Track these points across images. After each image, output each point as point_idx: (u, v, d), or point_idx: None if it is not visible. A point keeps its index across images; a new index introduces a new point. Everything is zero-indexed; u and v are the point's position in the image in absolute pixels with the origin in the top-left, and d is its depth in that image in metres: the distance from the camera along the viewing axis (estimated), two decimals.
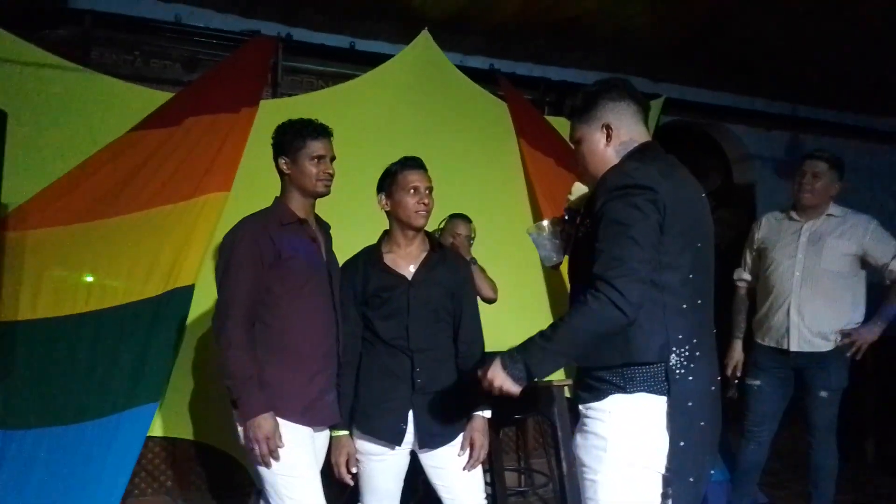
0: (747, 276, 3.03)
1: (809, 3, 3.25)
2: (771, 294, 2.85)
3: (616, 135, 1.56)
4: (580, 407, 1.54)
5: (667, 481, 1.43)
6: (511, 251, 3.19)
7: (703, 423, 1.45)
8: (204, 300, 2.66)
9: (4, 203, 2.54)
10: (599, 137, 1.57)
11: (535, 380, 1.46)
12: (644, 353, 1.43)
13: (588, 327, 1.39)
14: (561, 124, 3.68)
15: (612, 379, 1.46)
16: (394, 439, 1.94)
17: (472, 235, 2.96)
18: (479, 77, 3.49)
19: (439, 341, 2.00)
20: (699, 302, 1.48)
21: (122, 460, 2.38)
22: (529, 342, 1.45)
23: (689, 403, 1.43)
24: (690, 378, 1.43)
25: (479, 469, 2.05)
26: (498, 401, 1.86)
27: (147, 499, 3.11)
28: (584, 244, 1.51)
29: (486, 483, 2.73)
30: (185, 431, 2.83)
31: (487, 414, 2.03)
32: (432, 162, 2.11)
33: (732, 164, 4.63)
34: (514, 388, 1.45)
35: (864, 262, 2.79)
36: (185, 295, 2.57)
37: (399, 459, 1.99)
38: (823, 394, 2.74)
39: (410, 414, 1.95)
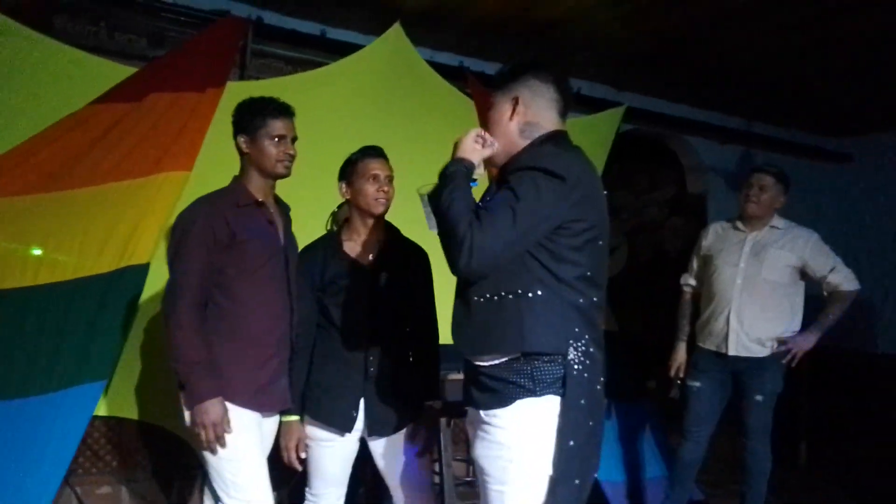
0: (692, 282, 3.15)
1: (771, 24, 3.39)
2: (713, 300, 2.97)
3: (522, 111, 1.53)
4: (480, 412, 1.46)
5: (553, 483, 1.38)
6: None
7: (591, 423, 1.41)
8: (158, 280, 2.61)
9: None
10: (507, 109, 1.54)
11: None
12: (541, 343, 1.39)
13: (449, 222, 1.38)
14: None
15: (518, 380, 1.40)
16: (344, 426, 1.96)
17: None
18: (449, 73, 3.52)
19: (394, 331, 2.03)
20: (594, 300, 1.46)
21: (65, 438, 2.33)
22: (458, 178, 1.45)
23: (582, 401, 1.39)
24: (586, 375, 1.40)
25: (427, 458, 2.10)
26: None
27: (91, 478, 3.06)
28: None
29: (435, 472, 2.78)
30: (132, 412, 2.79)
31: (437, 404, 2.07)
32: (395, 153, 2.14)
33: (687, 174, 4.78)
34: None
35: (803, 274, 2.93)
36: (138, 273, 2.52)
37: (348, 445, 2.01)
38: (759, 398, 2.87)
39: (362, 401, 1.98)
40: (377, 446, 2.03)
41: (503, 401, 1.41)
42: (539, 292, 1.40)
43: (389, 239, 2.09)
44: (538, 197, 1.37)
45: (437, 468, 2.88)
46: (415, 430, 2.03)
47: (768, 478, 2.95)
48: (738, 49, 3.73)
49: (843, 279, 2.86)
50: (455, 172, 1.47)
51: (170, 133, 2.71)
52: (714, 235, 3.08)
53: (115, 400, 2.72)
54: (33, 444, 2.29)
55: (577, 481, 1.39)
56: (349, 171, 2.05)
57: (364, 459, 2.10)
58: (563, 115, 1.59)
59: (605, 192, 1.56)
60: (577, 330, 1.41)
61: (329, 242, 2.06)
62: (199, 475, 3.08)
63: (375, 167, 2.01)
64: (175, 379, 1.85)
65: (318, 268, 2.02)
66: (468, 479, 3.94)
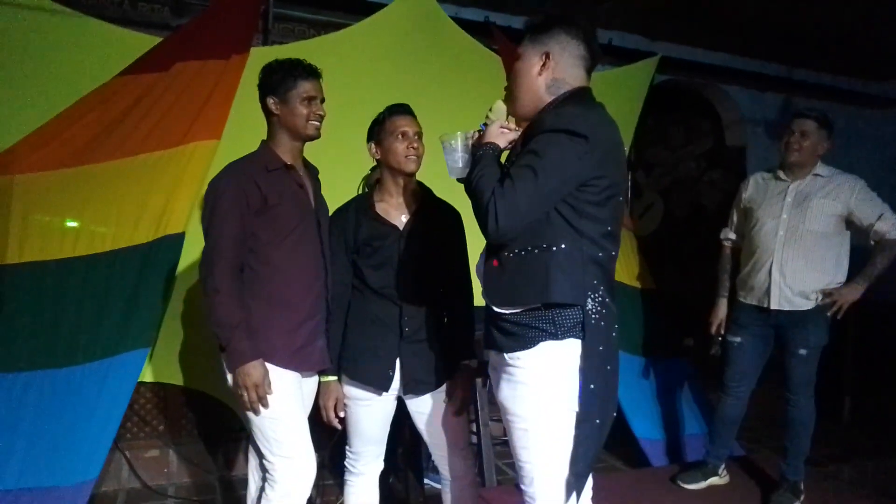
0: (732, 236, 3.06)
1: None
2: (755, 253, 2.88)
3: (552, 67, 1.55)
4: (504, 355, 1.53)
5: (577, 421, 1.47)
6: None
7: (609, 368, 1.50)
8: (194, 248, 2.66)
9: None
10: (536, 63, 1.57)
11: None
12: (563, 294, 1.46)
13: (476, 194, 1.47)
14: None
15: (541, 325, 1.48)
16: (381, 385, 1.98)
17: None
18: (474, 29, 3.43)
19: (428, 291, 2.02)
20: (612, 254, 1.54)
21: (112, 405, 2.41)
22: (488, 160, 1.53)
23: (601, 348, 1.48)
24: (602, 323, 1.48)
25: (465, 417, 2.10)
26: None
27: (139, 442, 3.17)
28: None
29: (472, 432, 2.80)
30: (176, 378, 2.87)
31: (474, 364, 2.06)
32: (423, 112, 2.10)
33: (725, 126, 4.62)
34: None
35: (848, 223, 2.82)
36: (174, 242, 2.56)
37: (386, 405, 2.03)
38: (802, 351, 2.80)
39: (398, 361, 1.98)
40: (414, 405, 2.04)
41: (526, 343, 1.49)
42: (563, 246, 1.47)
43: (421, 198, 2.07)
44: (561, 157, 1.43)
45: (474, 428, 2.90)
46: (451, 388, 2.03)
47: (811, 432, 2.90)
48: None
49: (892, 226, 2.74)
50: (483, 155, 1.55)
51: (197, 102, 2.72)
52: (754, 186, 2.97)
53: (160, 366, 2.79)
54: (82, 410, 2.37)
55: (597, 421, 1.48)
56: (377, 131, 2.02)
57: (403, 418, 2.11)
58: (590, 72, 1.62)
59: (625, 148, 1.62)
60: (595, 282, 1.49)
61: (361, 204, 2.05)
62: (243, 437, 3.16)
63: (404, 124, 1.98)
64: (216, 343, 1.87)
65: (350, 229, 2.01)
66: (505, 437, 3.97)
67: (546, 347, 1.48)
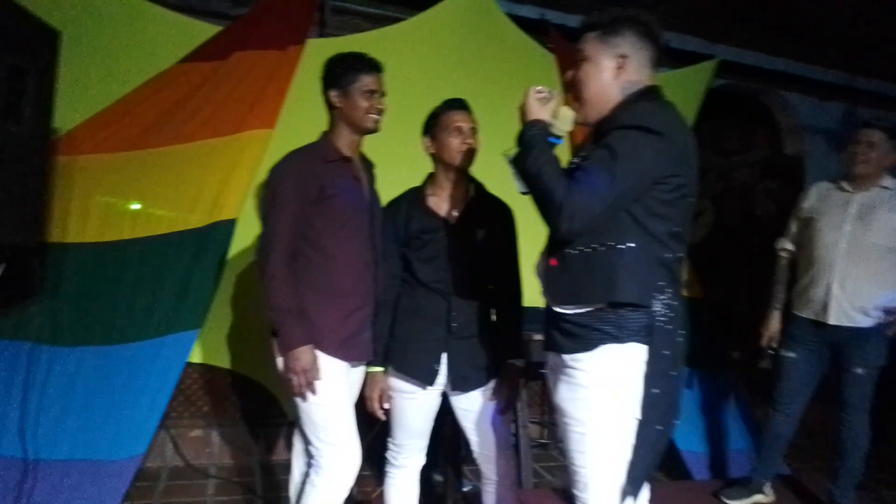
0: (790, 246, 2.95)
1: None
2: (814, 265, 2.77)
3: (627, 69, 1.49)
4: (564, 357, 1.49)
5: (639, 426, 1.43)
6: None
7: (673, 374, 1.45)
8: (245, 235, 2.71)
9: (56, 127, 2.59)
10: (609, 65, 1.50)
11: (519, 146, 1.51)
12: (630, 294, 1.41)
13: (543, 189, 1.41)
14: None
15: (604, 327, 1.43)
16: (426, 379, 1.97)
17: None
18: (529, 27, 3.40)
19: (477, 287, 2.01)
20: (679, 255, 1.48)
21: (162, 383, 2.47)
22: (539, 141, 1.48)
23: (666, 352, 1.43)
24: (669, 327, 1.43)
25: (508, 417, 2.09)
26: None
27: (184, 422, 3.24)
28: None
29: (511, 434, 2.78)
30: (224, 360, 2.92)
31: (521, 363, 2.04)
32: (476, 107, 2.08)
33: (783, 133, 4.47)
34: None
35: None
36: (227, 228, 2.61)
37: (430, 399, 2.02)
38: (859, 370, 2.69)
39: (444, 356, 1.97)
40: (459, 401, 2.03)
41: (587, 345, 1.45)
42: (631, 244, 1.42)
43: (474, 194, 2.05)
44: (637, 155, 1.38)
45: (513, 429, 2.88)
46: (497, 387, 2.01)
47: (865, 455, 2.78)
48: None
49: None
50: (534, 136, 1.49)
51: (253, 91, 2.76)
52: (816, 196, 2.86)
53: (208, 348, 2.85)
54: (133, 387, 2.44)
55: (659, 427, 1.44)
56: (432, 125, 2.02)
57: (446, 413, 2.11)
58: (656, 69, 1.56)
59: (697, 148, 1.53)
60: (661, 283, 1.44)
61: (413, 197, 2.05)
62: (283, 424, 3.21)
63: (459, 119, 1.97)
64: (268, 327, 1.90)
65: (402, 222, 2.01)
66: (542, 440, 3.94)
67: (607, 350, 1.43)
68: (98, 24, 2.68)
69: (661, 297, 1.43)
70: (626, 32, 1.50)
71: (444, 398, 2.06)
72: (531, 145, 1.48)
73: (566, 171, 1.48)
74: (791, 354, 2.82)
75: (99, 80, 2.68)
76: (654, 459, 1.47)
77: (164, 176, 2.70)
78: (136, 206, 2.69)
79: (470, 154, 1.99)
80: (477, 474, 2.11)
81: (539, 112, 1.52)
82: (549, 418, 3.93)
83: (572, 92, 1.58)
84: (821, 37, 4.02)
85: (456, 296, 1.97)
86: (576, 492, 1.50)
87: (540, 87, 1.55)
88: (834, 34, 3.95)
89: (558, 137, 1.59)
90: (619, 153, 1.38)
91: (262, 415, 3.24)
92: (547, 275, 1.54)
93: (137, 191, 2.70)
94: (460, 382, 1.98)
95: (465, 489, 2.93)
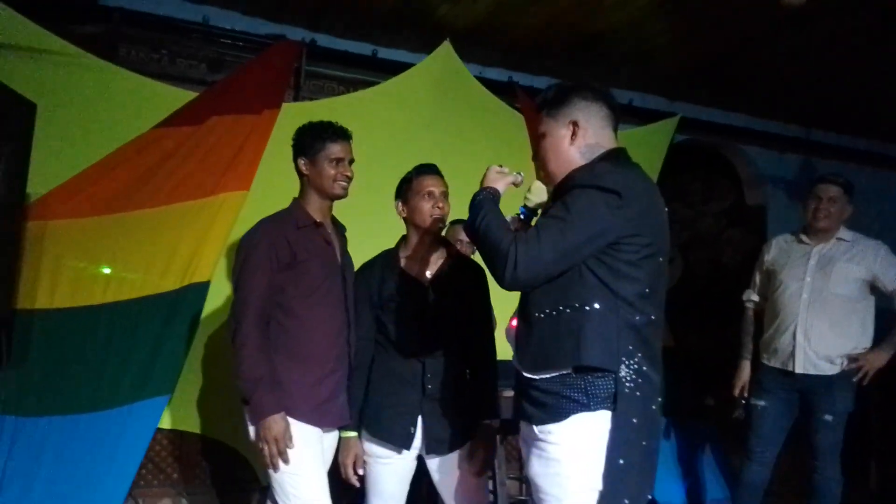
0: (755, 297, 3.04)
1: (828, 29, 3.28)
2: (778, 316, 2.86)
3: (582, 134, 1.52)
4: (534, 428, 1.44)
5: (601, 499, 1.36)
6: None
7: (644, 443, 1.40)
8: (218, 297, 2.71)
9: (29, 192, 2.59)
10: (565, 134, 1.53)
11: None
12: (594, 357, 1.38)
13: (490, 243, 1.44)
14: None
15: (573, 395, 1.38)
16: (402, 443, 1.96)
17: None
18: (498, 89, 3.53)
19: (452, 348, 2.02)
20: (652, 318, 1.44)
21: (131, 451, 2.42)
22: (488, 203, 1.55)
23: (634, 420, 1.38)
24: (638, 393, 1.39)
25: (484, 478, 2.08)
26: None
27: (152, 490, 3.13)
28: None
29: (489, 490, 2.75)
30: (194, 425, 2.86)
31: (496, 423, 2.05)
32: (449, 171, 2.15)
33: (744, 185, 4.64)
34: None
35: (872, 288, 2.80)
36: (200, 291, 2.61)
37: (406, 463, 2.01)
38: (828, 417, 2.75)
39: (419, 419, 1.97)
40: (435, 464, 2.02)
41: (557, 415, 1.41)
42: (596, 306, 1.40)
43: (446, 255, 2.09)
44: (590, 211, 1.39)
45: (490, 486, 2.85)
46: (473, 448, 2.01)
47: (839, 501, 2.81)
48: (794, 55, 3.63)
49: None
50: (483, 199, 1.55)
51: (228, 154, 2.80)
52: (777, 249, 2.97)
53: (178, 413, 2.79)
54: (100, 457, 2.38)
55: (626, 501, 1.37)
56: (405, 189, 2.07)
57: (421, 477, 2.09)
58: (616, 130, 1.60)
59: (665, 209, 1.55)
60: (630, 348, 1.40)
61: (387, 260, 2.08)
62: (257, 490, 3.12)
63: (430, 184, 2.03)
64: (239, 395, 1.88)
65: (375, 285, 2.04)
66: (521, 497, 3.88)
67: (578, 420, 1.38)
68: (74, 93, 2.71)
69: (629, 361, 1.39)
70: (573, 100, 1.54)
71: (420, 461, 2.05)
72: (479, 206, 1.53)
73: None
74: (761, 403, 2.87)
75: (74, 147, 2.70)
76: None
77: (137, 240, 2.69)
78: (107, 271, 2.67)
79: (441, 218, 2.04)
80: None
81: (494, 182, 1.60)
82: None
83: (540, 169, 1.62)
84: (776, 93, 4.22)
85: (430, 358, 1.99)
86: None
87: (502, 166, 1.63)
88: (788, 90, 4.16)
89: (531, 210, 1.66)
90: (571, 208, 1.40)
91: (233, 480, 3.16)
92: (517, 338, 1.54)
93: (109, 255, 2.68)
94: (435, 445, 1.98)
95: None
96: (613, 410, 1.37)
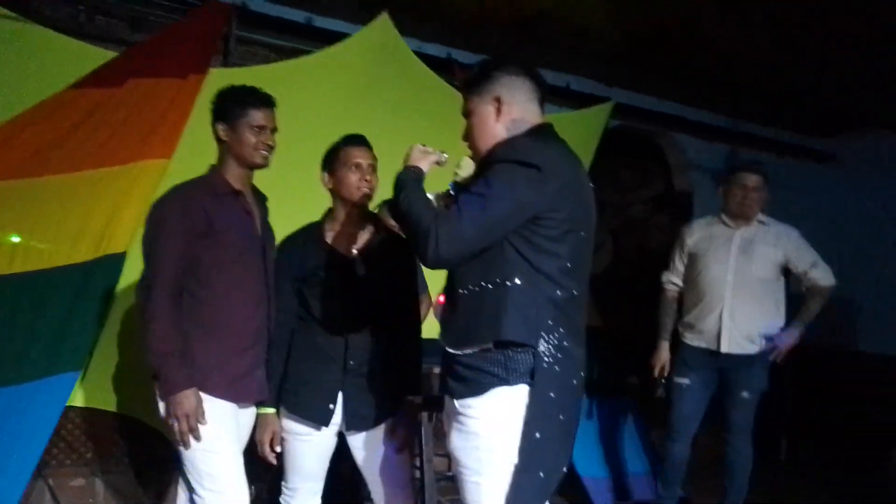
0: (676, 280, 3.12)
1: (759, 20, 3.39)
2: (703, 297, 2.95)
3: (507, 110, 1.51)
4: (455, 402, 1.46)
5: (517, 473, 1.37)
6: None
7: (561, 417, 1.41)
8: (135, 269, 2.57)
9: None
10: (490, 111, 1.52)
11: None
12: (514, 332, 1.39)
13: (413, 221, 1.44)
14: None
15: (492, 369, 1.40)
16: (321, 420, 1.94)
17: None
18: (436, 65, 3.48)
19: (375, 323, 2.00)
20: (574, 293, 1.46)
21: (37, 430, 2.29)
22: (411, 183, 1.54)
23: (551, 394, 1.39)
24: (557, 368, 1.40)
25: (407, 454, 2.07)
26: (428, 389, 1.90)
27: (64, 470, 3.00)
28: None
29: (416, 467, 2.76)
30: (108, 403, 2.75)
31: (418, 399, 2.04)
32: (381, 144, 2.11)
33: (673, 171, 4.78)
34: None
35: (785, 269, 2.94)
36: (115, 262, 2.48)
37: (325, 440, 1.98)
38: (745, 394, 2.87)
39: (340, 395, 1.95)
40: (356, 441, 2.01)
41: (477, 390, 1.42)
42: (517, 281, 1.41)
43: (373, 230, 2.06)
44: (510, 185, 1.38)
45: (417, 463, 2.86)
46: (395, 424, 2.00)
47: (749, 474, 2.96)
48: (725, 45, 3.74)
49: (823, 274, 2.90)
50: (406, 179, 1.54)
51: (149, 120, 2.67)
52: (699, 233, 3.05)
53: (92, 391, 2.67)
54: (3, 435, 2.24)
55: (541, 474, 1.39)
56: (332, 160, 2.02)
57: (343, 454, 2.07)
58: (542, 104, 1.59)
59: (591, 185, 1.55)
60: (550, 322, 1.41)
61: (311, 233, 2.03)
62: (176, 468, 3.04)
63: (358, 155, 1.98)
64: (149, 370, 1.81)
65: (298, 258, 1.99)
66: (449, 474, 3.92)
67: (497, 394, 1.40)
68: None
69: (549, 336, 1.40)
70: (496, 75, 1.54)
71: (341, 438, 2.03)
72: (402, 186, 1.53)
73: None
74: (685, 381, 2.97)
75: None
76: None
77: (49, 207, 2.54)
78: (14, 239, 2.51)
79: (369, 191, 2.00)
80: None
81: (418, 161, 1.59)
82: None
83: (469, 147, 1.61)
84: (708, 83, 4.35)
85: (353, 333, 1.96)
86: None
87: (425, 146, 1.63)
88: (720, 81, 4.29)
89: (460, 186, 1.63)
90: (492, 184, 1.39)
91: (152, 459, 3.06)
92: (441, 315, 1.55)
93: (17, 223, 2.52)
94: (356, 422, 1.96)
95: None
96: (531, 385, 1.38)
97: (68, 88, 2.64)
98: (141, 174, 2.57)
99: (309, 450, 1.97)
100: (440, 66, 3.53)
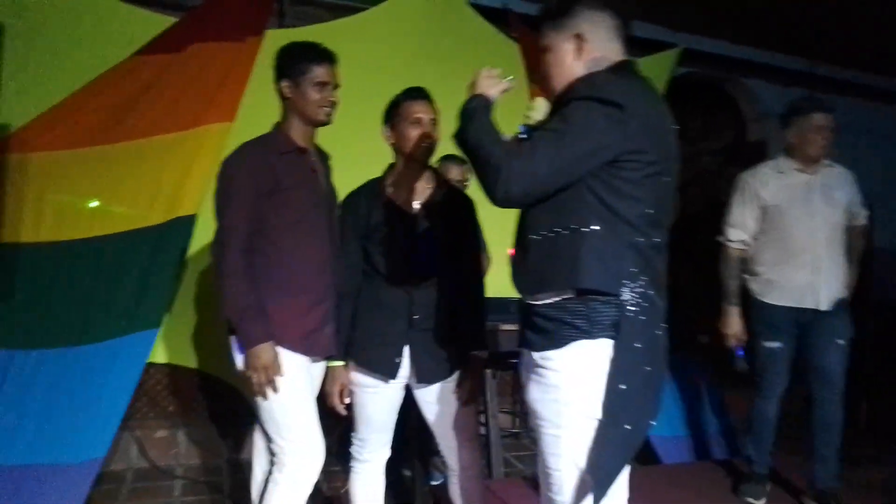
0: (746, 237, 2.79)
1: None
2: (790, 253, 2.67)
3: (588, 48, 1.42)
4: (534, 355, 1.41)
5: (602, 426, 1.31)
6: None
7: (648, 369, 1.34)
8: (206, 231, 2.65)
9: (8, 124, 2.52)
10: (569, 48, 1.43)
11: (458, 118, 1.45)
12: (595, 280, 1.31)
13: (482, 156, 1.35)
14: None
15: (574, 321, 1.33)
16: (388, 372, 1.96)
17: (465, 179, 2.92)
18: (492, 16, 3.39)
19: (440, 279, 1.99)
20: (655, 240, 1.37)
21: (122, 384, 2.42)
22: (480, 112, 1.42)
23: (637, 345, 1.32)
24: (642, 318, 1.32)
25: (473, 408, 2.08)
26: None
27: (148, 423, 3.19)
28: None
29: (481, 423, 2.78)
30: (188, 360, 2.88)
31: (484, 354, 2.04)
32: (439, 98, 2.06)
33: (746, 121, 4.53)
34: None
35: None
36: (186, 224, 2.57)
37: (393, 392, 2.01)
38: (840, 341, 2.66)
39: (406, 349, 1.96)
40: (423, 394, 2.02)
41: (558, 342, 1.36)
42: (595, 227, 1.32)
43: (435, 185, 2.04)
44: (589, 123, 1.29)
45: (482, 419, 2.88)
46: (461, 378, 2.01)
47: (842, 429, 2.69)
48: None
49: (864, 213, 2.78)
50: (475, 108, 1.42)
51: (211, 84, 2.71)
52: (774, 182, 2.74)
53: (172, 348, 2.80)
54: (92, 389, 2.39)
55: (627, 426, 1.32)
56: (392, 114, 1.99)
57: (411, 406, 2.10)
58: (625, 42, 1.47)
59: (674, 127, 1.44)
60: (633, 270, 1.33)
61: (373, 189, 2.02)
62: (252, 422, 3.17)
63: (419, 110, 1.95)
64: (226, 325, 1.86)
65: (362, 214, 1.99)
66: (514, 430, 3.95)
67: (578, 347, 1.33)
68: (45, 18, 2.60)
69: (633, 285, 1.32)
70: (578, 10, 1.43)
71: (409, 391, 2.05)
72: (470, 116, 1.41)
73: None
74: (776, 344, 2.71)
75: (48, 75, 2.61)
76: (625, 460, 1.36)
77: (121, 173, 2.64)
78: (92, 204, 2.63)
79: (430, 145, 1.97)
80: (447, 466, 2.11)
81: (485, 88, 1.46)
82: (521, 408, 3.95)
83: (543, 85, 1.51)
84: (782, 24, 4.07)
85: (417, 288, 1.96)
86: (549, 494, 1.41)
87: (491, 69, 1.50)
88: (794, 22, 4.01)
89: (532, 127, 1.52)
90: (569, 121, 1.30)
91: (230, 413, 3.20)
92: (513, 262, 1.47)
93: (93, 188, 2.64)
94: (423, 375, 1.97)
95: (434, 482, 2.93)
96: (616, 336, 1.32)
97: (132, 56, 2.72)
98: (206, 138, 2.63)
99: (377, 401, 2.00)
100: (496, 18, 3.44)
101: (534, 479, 1.87)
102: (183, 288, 2.71)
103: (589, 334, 1.33)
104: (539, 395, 1.40)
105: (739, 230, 2.78)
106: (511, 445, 3.76)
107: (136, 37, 2.70)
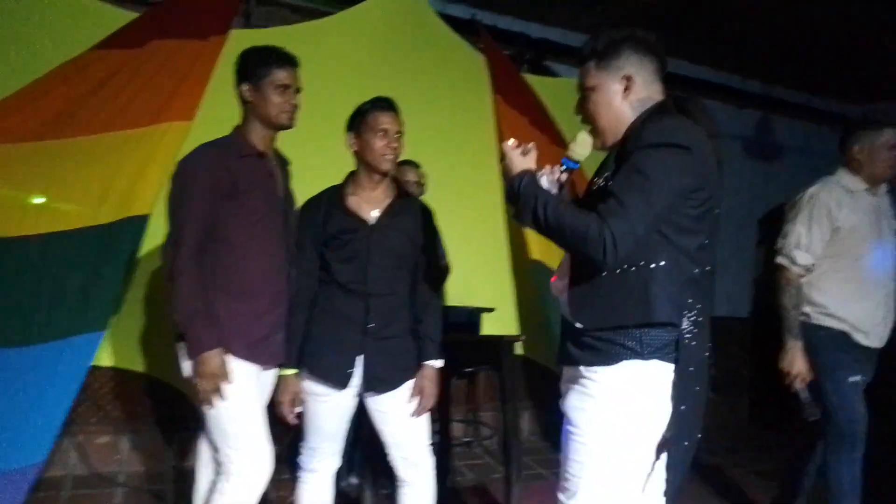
0: (813, 262, 2.40)
1: None
2: (863, 283, 2.39)
3: (635, 89, 1.48)
4: (581, 368, 1.47)
5: (662, 447, 1.43)
6: (471, 202, 3.19)
7: (698, 388, 1.44)
8: (159, 232, 2.59)
9: None
10: (618, 89, 1.48)
11: (512, 203, 1.46)
12: (664, 314, 1.39)
13: (572, 231, 1.36)
14: (538, 83, 3.63)
15: (627, 342, 1.41)
16: (340, 382, 1.94)
17: (421, 182, 2.93)
18: (460, 26, 3.41)
19: (397, 288, 1.99)
20: (707, 269, 1.46)
21: (64, 388, 2.33)
22: (535, 189, 1.43)
23: (691, 369, 1.42)
24: (694, 343, 1.42)
25: (426, 417, 2.07)
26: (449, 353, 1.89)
27: (92, 427, 3.08)
28: (597, 198, 1.42)
29: (435, 432, 2.77)
30: (135, 364, 2.80)
31: (439, 364, 2.04)
32: (403, 106, 2.06)
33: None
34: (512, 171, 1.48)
35: None
36: (139, 224, 2.49)
37: (345, 401, 1.99)
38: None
39: (360, 358, 1.95)
40: (375, 403, 2.01)
41: (607, 360, 1.43)
42: (662, 263, 1.40)
43: (395, 194, 2.03)
44: (668, 171, 1.36)
45: (437, 427, 2.88)
46: (414, 388, 2.00)
47: None
48: (758, 7, 3.59)
49: None
50: (527, 185, 1.44)
51: (171, 82, 2.65)
52: (847, 201, 2.39)
53: (118, 351, 2.72)
54: (32, 392, 2.29)
55: (686, 443, 1.43)
56: (358, 123, 1.98)
57: (362, 415, 2.08)
58: (663, 80, 1.54)
59: (718, 160, 1.51)
60: (690, 300, 1.42)
61: (333, 196, 2.01)
62: (198, 428, 3.10)
63: (386, 121, 1.95)
64: (174, 330, 1.82)
65: (320, 221, 1.97)
66: (466, 439, 3.96)
67: (629, 366, 1.41)
68: (4, 10, 2.50)
69: (690, 314, 1.42)
70: (626, 52, 1.48)
71: (361, 400, 2.03)
72: (529, 196, 1.42)
73: (591, 194, 1.49)
74: (859, 377, 2.40)
75: (2, 66, 2.51)
76: (683, 476, 1.46)
77: (72, 168, 2.55)
78: (39, 200, 2.53)
79: (393, 158, 1.97)
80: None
81: (523, 163, 1.48)
82: (474, 416, 3.96)
83: (588, 123, 1.55)
84: (739, 47, 4.20)
85: (374, 297, 1.95)
86: (562, 497, 1.48)
87: (516, 141, 1.51)
88: (752, 45, 4.15)
89: (575, 162, 1.54)
90: (649, 174, 1.35)
91: (176, 418, 3.13)
92: (576, 295, 1.50)
93: (42, 184, 2.53)
94: (375, 384, 1.96)
95: (382, 491, 2.90)
96: (677, 360, 1.41)
97: (90, 50, 2.64)
98: (163, 136, 2.57)
99: (329, 410, 1.98)
100: (464, 28, 3.46)
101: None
102: (132, 290, 2.63)
103: (640, 355, 1.41)
104: (578, 404, 1.47)
105: (801, 250, 2.42)
106: (464, 454, 3.76)
107: (97, 31, 2.63)
